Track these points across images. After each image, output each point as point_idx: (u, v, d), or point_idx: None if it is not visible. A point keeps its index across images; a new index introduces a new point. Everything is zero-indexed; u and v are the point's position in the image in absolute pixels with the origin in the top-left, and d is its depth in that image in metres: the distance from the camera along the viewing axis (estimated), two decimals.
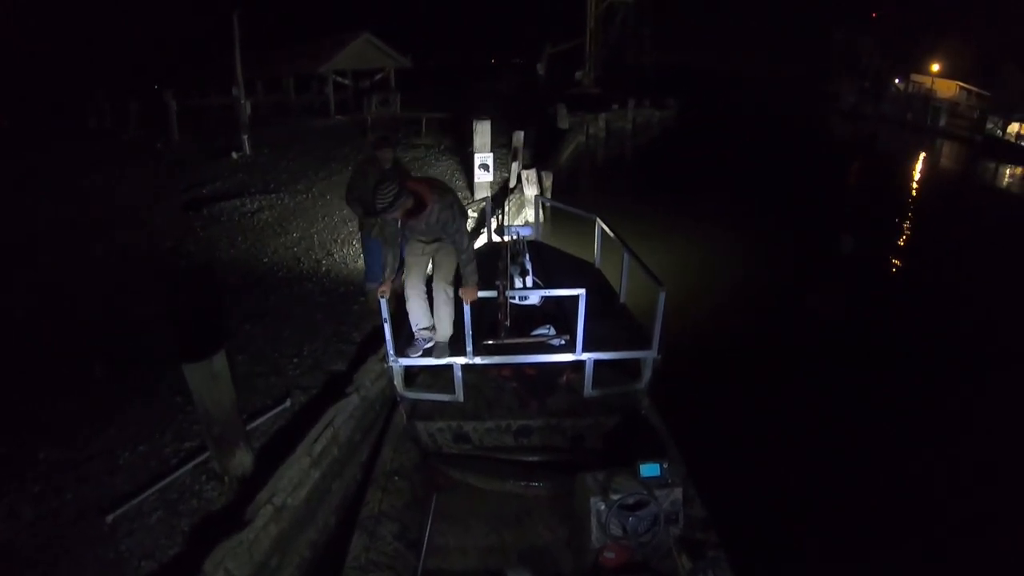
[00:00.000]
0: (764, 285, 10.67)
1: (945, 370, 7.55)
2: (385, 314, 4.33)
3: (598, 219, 6.00)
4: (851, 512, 5.14)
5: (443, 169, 14.22)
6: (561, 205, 6.68)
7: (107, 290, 7.41)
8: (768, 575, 4.36)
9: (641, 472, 3.56)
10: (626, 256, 5.13)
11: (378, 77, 26.62)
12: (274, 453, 4.44)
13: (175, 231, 9.70)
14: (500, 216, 6.46)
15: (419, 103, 22.24)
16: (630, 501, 3.47)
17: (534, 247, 6.37)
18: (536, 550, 3.88)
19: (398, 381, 4.66)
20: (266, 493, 3.80)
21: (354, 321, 6.58)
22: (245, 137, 15.24)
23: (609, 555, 3.54)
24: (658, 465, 3.59)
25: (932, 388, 7.08)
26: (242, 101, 16.11)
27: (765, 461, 5.58)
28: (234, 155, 15.00)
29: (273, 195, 11.71)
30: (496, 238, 7.20)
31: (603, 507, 3.46)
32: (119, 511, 3.91)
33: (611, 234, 5.64)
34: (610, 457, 4.20)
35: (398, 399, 4.74)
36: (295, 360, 5.82)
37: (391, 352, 4.50)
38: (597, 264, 6.32)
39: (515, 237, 6.01)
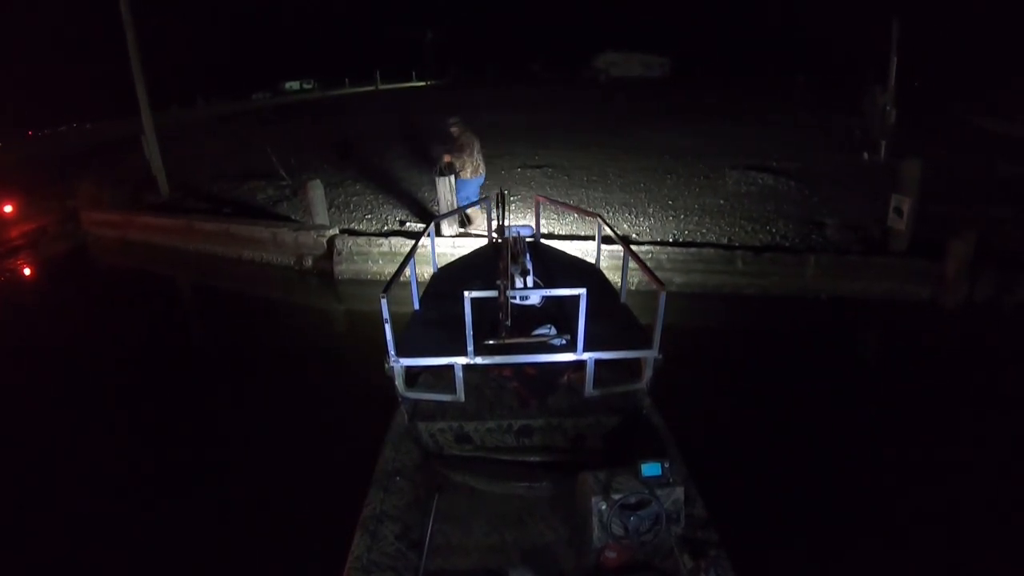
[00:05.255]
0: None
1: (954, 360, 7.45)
2: (386, 315, 4.18)
3: (599, 218, 6.02)
4: (854, 511, 5.11)
5: None
6: (561, 203, 6.59)
7: None
8: (770, 574, 4.40)
9: (642, 472, 3.55)
10: (626, 256, 5.08)
11: None
12: None
13: None
14: (500, 216, 6.58)
15: None
16: (631, 501, 3.46)
17: (534, 247, 6.37)
18: (538, 550, 3.80)
19: (399, 382, 4.50)
20: None
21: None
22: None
23: (610, 555, 3.53)
24: (659, 464, 3.58)
25: (941, 382, 6.92)
26: None
27: (767, 460, 5.60)
28: None
29: None
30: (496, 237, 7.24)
31: (604, 507, 3.46)
32: None
33: (612, 233, 5.63)
34: (611, 457, 4.12)
35: (399, 400, 4.62)
36: None
37: (392, 353, 4.34)
38: (597, 264, 6.35)
39: (515, 236, 5.98)
